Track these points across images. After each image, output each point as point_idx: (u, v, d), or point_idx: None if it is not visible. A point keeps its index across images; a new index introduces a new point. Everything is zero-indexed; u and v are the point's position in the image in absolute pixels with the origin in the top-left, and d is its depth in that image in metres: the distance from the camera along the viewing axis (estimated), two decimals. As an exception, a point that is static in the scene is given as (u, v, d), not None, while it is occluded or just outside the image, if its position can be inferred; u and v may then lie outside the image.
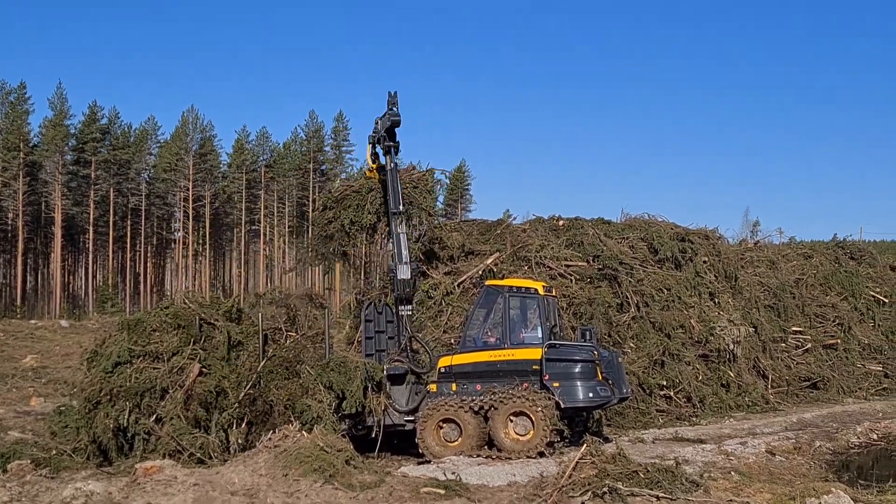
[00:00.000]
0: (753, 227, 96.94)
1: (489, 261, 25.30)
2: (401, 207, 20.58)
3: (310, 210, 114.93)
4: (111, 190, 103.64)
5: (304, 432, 14.90)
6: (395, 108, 20.47)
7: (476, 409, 18.29)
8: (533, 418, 17.83)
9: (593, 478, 12.35)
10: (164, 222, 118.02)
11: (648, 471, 12.51)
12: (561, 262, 26.17)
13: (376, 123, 21.02)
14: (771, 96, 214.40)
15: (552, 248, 26.49)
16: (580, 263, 26.45)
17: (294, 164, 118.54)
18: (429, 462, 17.49)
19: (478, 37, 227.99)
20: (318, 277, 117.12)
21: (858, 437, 22.52)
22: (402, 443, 19.41)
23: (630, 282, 26.60)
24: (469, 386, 18.83)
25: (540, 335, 18.98)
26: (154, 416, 16.49)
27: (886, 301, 36.75)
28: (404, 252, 20.30)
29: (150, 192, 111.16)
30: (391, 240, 20.75)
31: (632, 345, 25.48)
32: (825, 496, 12.82)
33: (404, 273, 20.03)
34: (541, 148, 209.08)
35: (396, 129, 20.63)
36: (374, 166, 21.71)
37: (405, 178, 22.22)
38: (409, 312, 20.32)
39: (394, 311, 20.53)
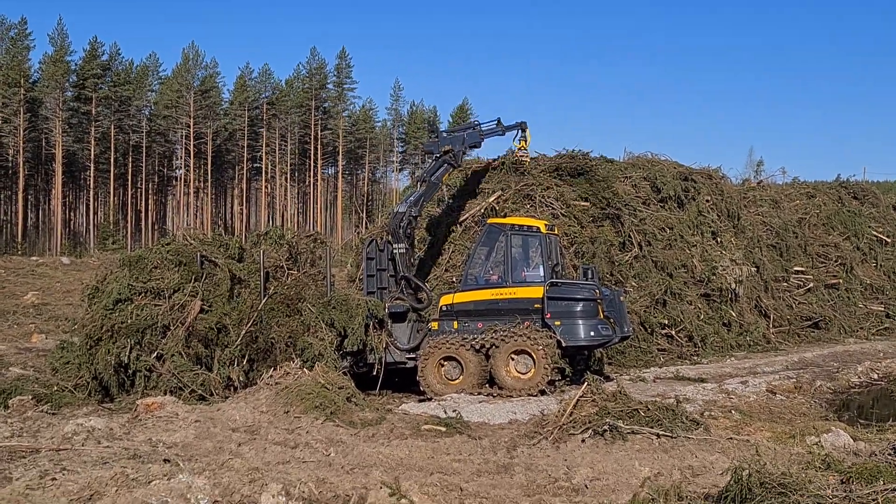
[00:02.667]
0: (757, 166, 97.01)
1: (491, 199, 25.14)
2: (429, 179, 21.74)
3: (311, 148, 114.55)
4: (112, 126, 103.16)
5: (305, 370, 14.92)
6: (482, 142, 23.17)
7: (477, 347, 18.30)
8: (534, 356, 17.85)
9: (594, 416, 12.34)
10: (165, 159, 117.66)
11: (649, 409, 12.48)
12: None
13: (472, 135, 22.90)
14: (775, 35, 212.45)
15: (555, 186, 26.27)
16: (583, 203, 26.28)
17: (296, 102, 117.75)
18: (430, 400, 17.59)
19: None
20: (320, 216, 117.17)
21: (859, 377, 22.54)
22: (404, 380, 19.49)
23: (632, 221, 26.45)
24: (471, 324, 18.85)
25: (542, 274, 18.93)
26: (155, 353, 16.49)
27: (889, 241, 36.70)
28: (412, 198, 21.20)
29: (151, 129, 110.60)
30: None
31: (633, 284, 25.40)
32: (825, 435, 12.81)
33: (400, 207, 21.14)
34: (543, 88, 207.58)
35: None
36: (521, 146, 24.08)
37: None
38: (402, 251, 20.45)
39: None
